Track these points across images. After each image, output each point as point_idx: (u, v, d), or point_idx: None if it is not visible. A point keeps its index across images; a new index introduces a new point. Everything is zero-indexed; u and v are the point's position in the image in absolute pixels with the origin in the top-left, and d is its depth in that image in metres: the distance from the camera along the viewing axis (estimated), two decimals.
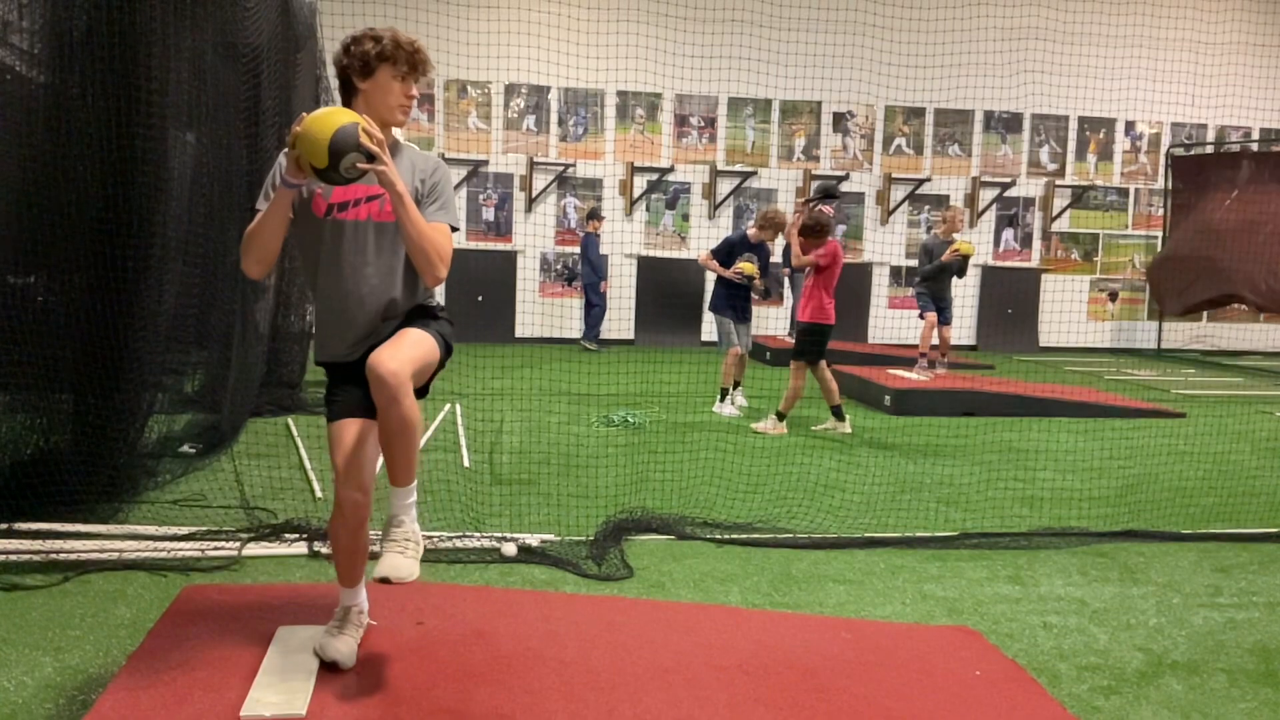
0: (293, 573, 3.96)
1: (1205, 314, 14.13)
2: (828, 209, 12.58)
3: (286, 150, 2.71)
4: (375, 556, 2.89)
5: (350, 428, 2.89)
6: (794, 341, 7.56)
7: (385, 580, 2.74)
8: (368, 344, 2.89)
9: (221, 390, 6.21)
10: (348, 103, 2.89)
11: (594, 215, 12.71)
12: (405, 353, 2.72)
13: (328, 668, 2.98)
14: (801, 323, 7.44)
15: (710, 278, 9.56)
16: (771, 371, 10.56)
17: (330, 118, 2.61)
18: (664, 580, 4.05)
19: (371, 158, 2.61)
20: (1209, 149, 14.35)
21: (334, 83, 9.14)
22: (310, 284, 3.03)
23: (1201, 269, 13.16)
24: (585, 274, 12.82)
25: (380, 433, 2.77)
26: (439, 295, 3.12)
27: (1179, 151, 14.37)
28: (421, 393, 2.96)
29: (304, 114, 2.68)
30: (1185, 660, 3.46)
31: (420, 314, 2.95)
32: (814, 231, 7.27)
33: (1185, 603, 4.04)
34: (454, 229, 2.90)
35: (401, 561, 2.77)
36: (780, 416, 7.41)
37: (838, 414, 7.43)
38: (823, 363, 7.39)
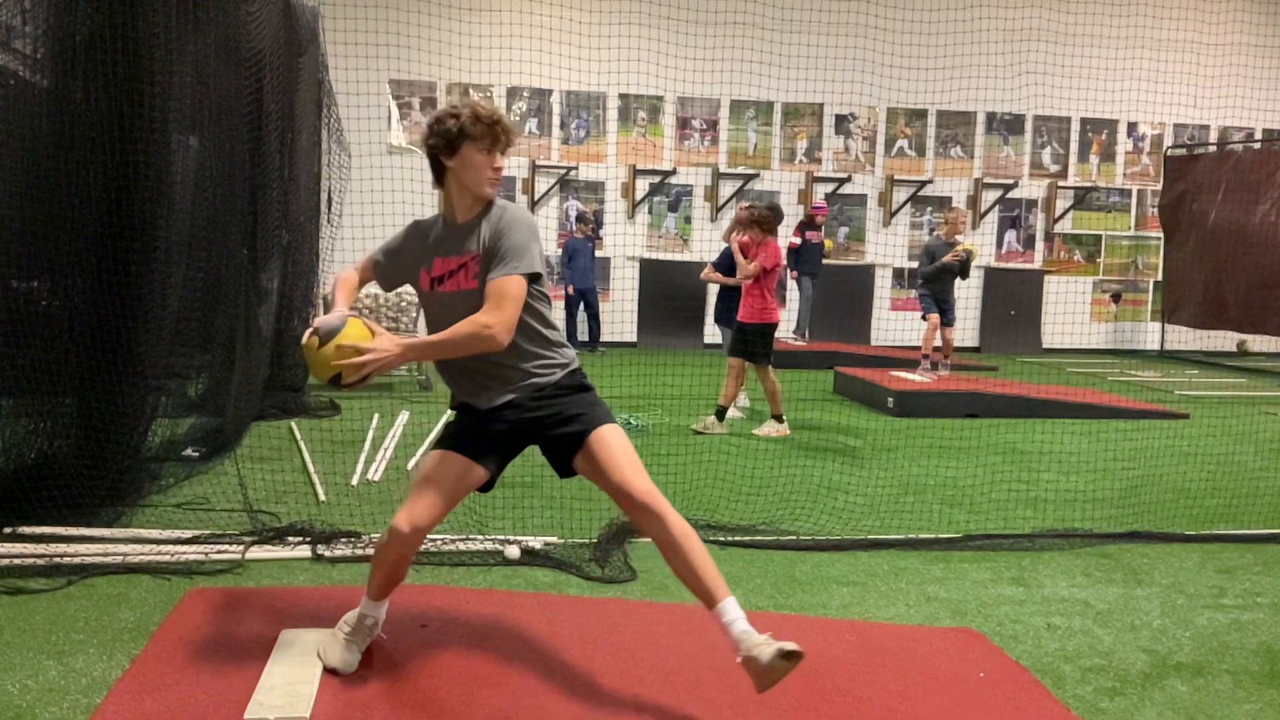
0: (296, 576, 3.96)
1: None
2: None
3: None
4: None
5: (445, 458, 2.95)
6: (737, 340, 7.43)
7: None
8: (496, 396, 2.96)
9: (225, 394, 6.22)
10: (439, 178, 2.97)
11: (581, 219, 12.63)
12: (632, 465, 2.88)
13: (331, 671, 2.99)
14: (747, 324, 7.31)
15: (713, 285, 9.54)
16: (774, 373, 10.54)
17: (320, 369, 2.81)
18: (667, 582, 4.05)
19: (365, 377, 2.81)
20: (1211, 149, 14.32)
21: (337, 86, 9.05)
22: None
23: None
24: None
25: (669, 555, 2.82)
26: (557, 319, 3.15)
27: (1179, 153, 14.33)
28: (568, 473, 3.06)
29: (306, 339, 2.82)
30: (1190, 661, 3.45)
31: (578, 390, 3.02)
32: (765, 224, 7.23)
33: (1189, 604, 4.03)
34: (530, 275, 2.87)
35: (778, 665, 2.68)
36: (778, 419, 7.39)
37: (720, 414, 7.47)
38: (742, 364, 7.37)
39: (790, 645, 2.66)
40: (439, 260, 2.96)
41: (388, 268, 3.15)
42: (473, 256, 2.90)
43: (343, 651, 3.02)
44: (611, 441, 2.92)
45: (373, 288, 8.86)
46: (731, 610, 2.78)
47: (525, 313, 2.92)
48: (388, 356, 2.78)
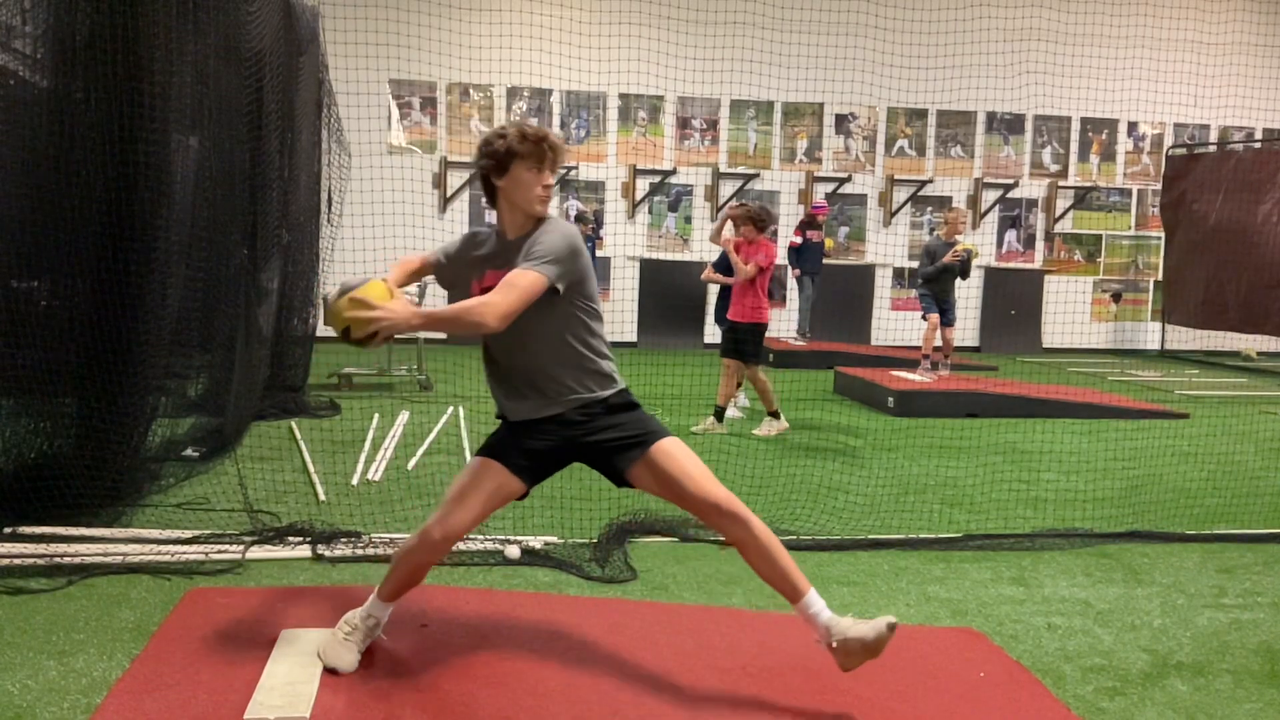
0: (296, 576, 3.96)
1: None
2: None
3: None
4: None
5: (485, 468, 2.97)
6: (728, 340, 7.41)
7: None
8: (535, 409, 2.98)
9: (225, 394, 6.21)
10: (491, 199, 3.03)
11: (581, 219, 12.63)
12: (706, 474, 2.96)
13: (331, 671, 2.99)
14: (739, 323, 7.27)
15: (713, 285, 9.52)
16: (775, 373, 10.54)
17: (333, 320, 2.86)
18: (668, 582, 4.05)
19: (374, 333, 2.79)
20: (1212, 149, 14.30)
21: (337, 86, 9.05)
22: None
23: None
24: None
25: (754, 557, 2.95)
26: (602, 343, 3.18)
27: (1179, 152, 14.32)
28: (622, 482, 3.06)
29: (327, 298, 2.90)
30: (1190, 661, 3.45)
31: (628, 408, 3.05)
32: (759, 222, 7.22)
33: (1190, 603, 4.03)
34: (552, 275, 2.86)
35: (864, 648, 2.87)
36: (775, 415, 7.36)
37: (719, 415, 7.46)
38: (737, 363, 7.35)
39: (893, 619, 2.83)
40: (491, 273, 3.00)
41: (446, 269, 3.20)
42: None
43: (343, 651, 3.03)
44: (678, 454, 2.96)
45: None
46: (817, 602, 2.93)
47: (570, 325, 2.96)
48: (395, 319, 2.77)
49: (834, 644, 2.87)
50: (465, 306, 2.81)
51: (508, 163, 2.92)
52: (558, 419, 2.98)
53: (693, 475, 2.92)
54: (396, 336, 2.93)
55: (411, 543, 2.98)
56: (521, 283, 2.82)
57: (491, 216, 3.12)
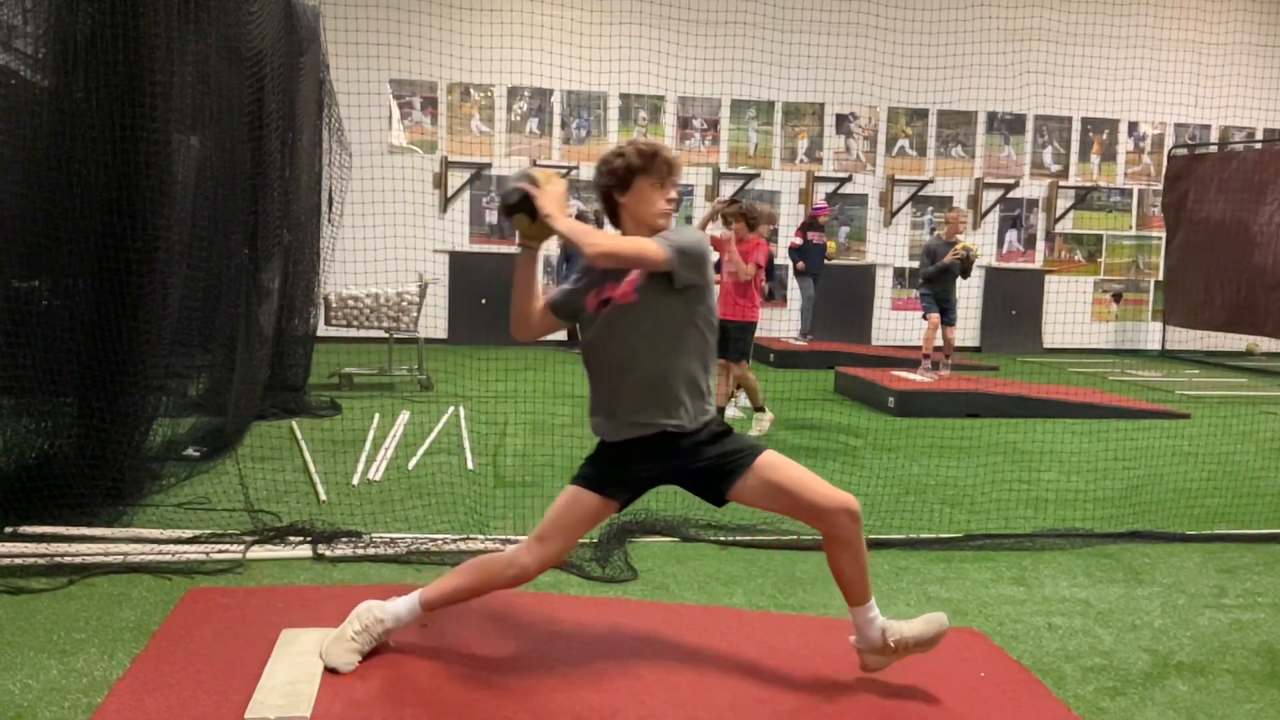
0: (297, 575, 3.97)
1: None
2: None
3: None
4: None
5: (581, 498, 3.00)
6: (719, 339, 7.38)
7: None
8: (640, 428, 2.97)
9: (226, 393, 6.22)
10: (614, 216, 3.11)
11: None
12: (818, 479, 2.98)
13: (331, 671, 2.99)
14: (731, 321, 7.18)
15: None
16: (775, 373, 10.56)
17: (541, 172, 2.99)
18: (668, 582, 4.05)
19: (528, 195, 2.90)
20: (1213, 149, 14.29)
21: (337, 86, 9.03)
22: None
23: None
24: None
25: (849, 553, 2.98)
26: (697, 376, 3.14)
27: (1181, 152, 14.31)
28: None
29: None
30: (1191, 661, 3.45)
31: (726, 434, 3.06)
32: (752, 220, 7.21)
33: (1190, 604, 4.03)
34: (671, 255, 2.89)
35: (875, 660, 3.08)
36: (761, 410, 7.35)
37: (719, 415, 7.42)
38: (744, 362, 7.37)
39: (945, 614, 3.08)
40: (610, 284, 3.02)
41: (562, 303, 3.20)
42: (637, 274, 2.96)
43: (345, 652, 3.03)
44: (785, 465, 2.98)
45: (375, 287, 8.89)
46: (875, 607, 3.04)
47: (691, 336, 2.98)
48: (550, 200, 2.88)
49: (891, 644, 2.98)
50: (583, 229, 2.88)
51: (630, 179, 2.99)
52: (664, 448, 2.97)
53: (810, 483, 2.94)
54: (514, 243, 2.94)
55: (496, 567, 3.00)
56: (640, 243, 2.87)
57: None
